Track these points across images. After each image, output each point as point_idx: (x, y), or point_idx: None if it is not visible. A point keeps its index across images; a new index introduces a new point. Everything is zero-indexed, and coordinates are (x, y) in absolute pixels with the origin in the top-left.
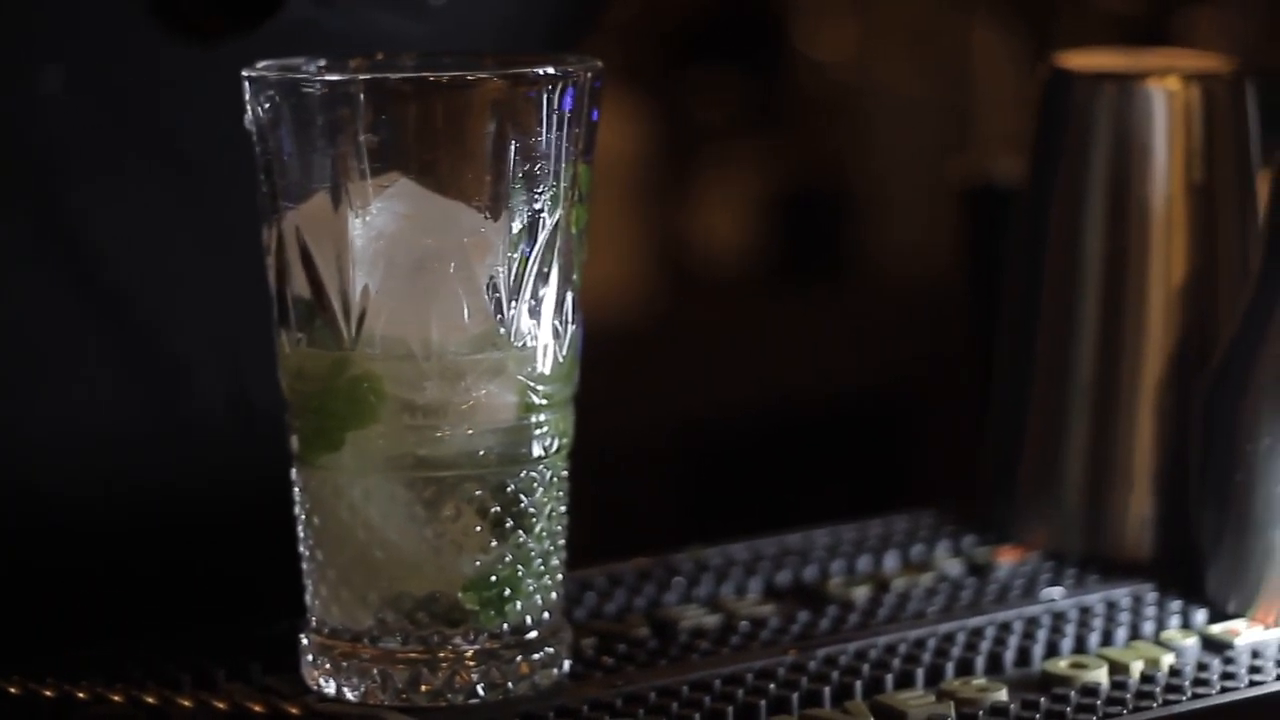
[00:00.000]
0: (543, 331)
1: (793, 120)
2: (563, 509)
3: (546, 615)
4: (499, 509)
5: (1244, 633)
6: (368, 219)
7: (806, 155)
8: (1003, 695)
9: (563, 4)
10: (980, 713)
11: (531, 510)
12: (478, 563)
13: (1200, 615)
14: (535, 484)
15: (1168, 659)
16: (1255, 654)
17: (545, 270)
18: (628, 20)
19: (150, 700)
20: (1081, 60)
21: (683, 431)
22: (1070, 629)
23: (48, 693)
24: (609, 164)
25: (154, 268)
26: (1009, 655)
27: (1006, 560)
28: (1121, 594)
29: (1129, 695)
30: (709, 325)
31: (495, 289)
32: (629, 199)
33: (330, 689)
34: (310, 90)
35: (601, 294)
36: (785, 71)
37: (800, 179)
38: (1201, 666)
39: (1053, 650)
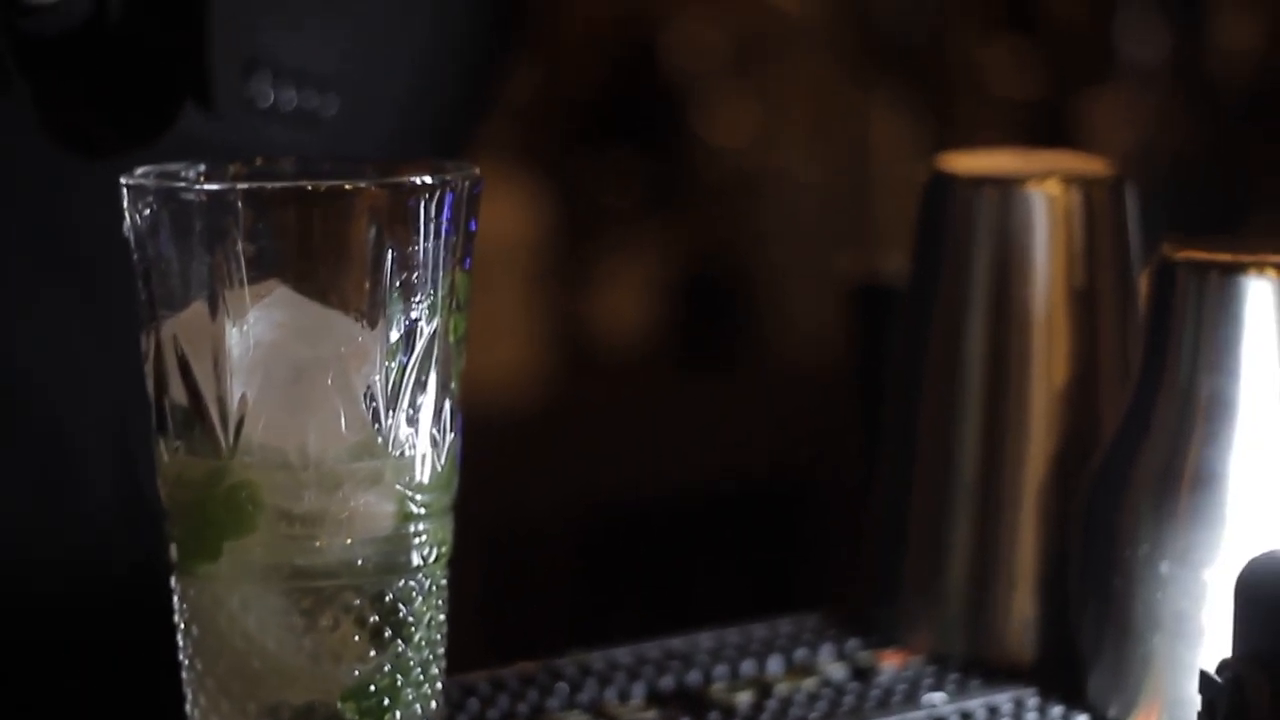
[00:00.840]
0: (421, 440)
1: (691, 205)
2: (442, 617)
3: None
4: (377, 618)
5: None
6: (245, 328)
7: (704, 241)
8: None
9: (451, 109)
10: None
11: (410, 619)
12: (356, 672)
13: None
14: (414, 593)
15: None
16: None
17: (423, 379)
18: (525, 103)
19: None
20: (964, 162)
21: (574, 520)
22: None
23: None
24: (507, 247)
25: (47, 364)
26: None
27: (890, 664)
28: (1004, 699)
29: None
30: (601, 412)
31: (373, 398)
32: (526, 282)
33: None
34: (188, 198)
35: (494, 378)
36: (684, 156)
37: (697, 265)
38: None
39: None
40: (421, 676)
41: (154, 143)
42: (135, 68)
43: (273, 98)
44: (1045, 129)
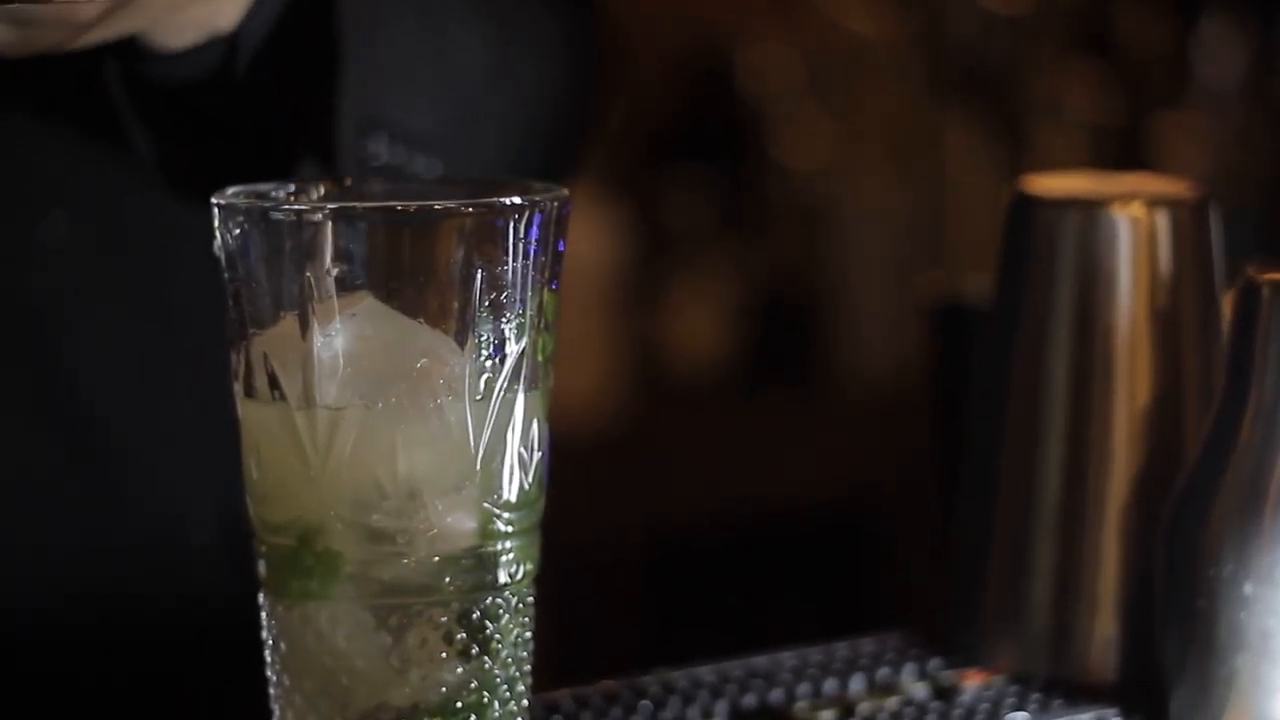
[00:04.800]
0: (509, 458)
1: (767, 228)
2: (528, 634)
3: None
4: (464, 635)
5: None
6: (335, 344)
7: (780, 263)
8: None
9: (546, 171)
10: None
11: (497, 636)
12: (443, 689)
13: None
14: (501, 610)
15: None
16: None
17: (511, 398)
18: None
19: None
20: (1048, 184)
21: (649, 542)
22: None
23: None
24: (584, 269)
25: (142, 396)
26: None
27: (972, 683)
28: (1086, 718)
29: None
30: (676, 434)
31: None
32: (602, 305)
33: None
34: (278, 218)
35: (569, 400)
36: (760, 179)
37: (773, 287)
38: None
39: None
40: (507, 693)
41: None
42: (256, 120)
43: (384, 158)
44: (1122, 152)
